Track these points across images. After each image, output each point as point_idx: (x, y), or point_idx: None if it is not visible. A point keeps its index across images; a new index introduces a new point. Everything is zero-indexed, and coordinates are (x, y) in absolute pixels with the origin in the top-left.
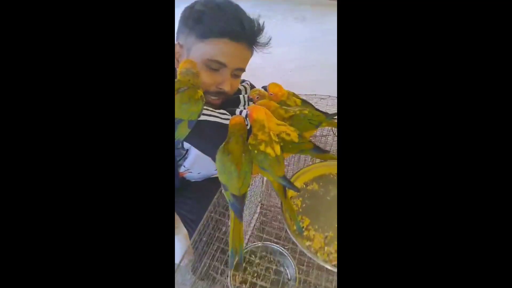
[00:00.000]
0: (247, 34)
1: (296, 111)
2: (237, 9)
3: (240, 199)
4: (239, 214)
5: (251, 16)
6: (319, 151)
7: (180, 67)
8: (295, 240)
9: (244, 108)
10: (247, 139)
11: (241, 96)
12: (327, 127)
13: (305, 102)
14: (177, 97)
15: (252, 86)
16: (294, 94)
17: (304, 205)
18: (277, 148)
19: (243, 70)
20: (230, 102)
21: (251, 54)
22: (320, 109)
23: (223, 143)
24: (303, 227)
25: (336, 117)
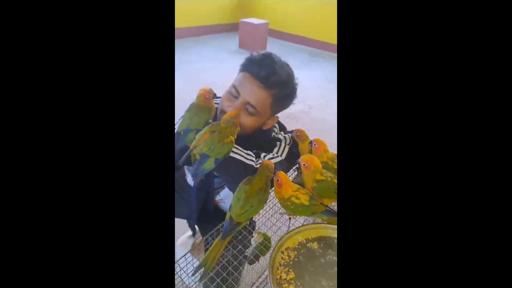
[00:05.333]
0: (273, 84)
1: (328, 177)
2: (278, 66)
3: (233, 224)
4: (224, 235)
5: (292, 78)
6: (330, 214)
7: (226, 115)
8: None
9: (280, 156)
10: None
11: (278, 143)
12: None
13: None
14: (210, 138)
15: (281, 128)
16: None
17: (296, 259)
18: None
19: (255, 108)
20: (263, 144)
21: (271, 101)
22: None
23: (253, 176)
24: (285, 279)
25: None
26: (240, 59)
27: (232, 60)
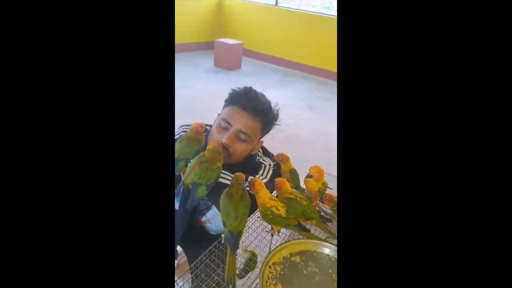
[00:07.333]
0: (260, 112)
1: (297, 197)
2: (261, 96)
3: (235, 236)
4: (233, 248)
5: (272, 105)
6: (301, 228)
7: (209, 146)
8: None
9: (265, 178)
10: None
11: (263, 166)
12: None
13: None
14: (198, 168)
15: (265, 151)
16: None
17: (282, 272)
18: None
19: (247, 135)
20: (250, 169)
21: (261, 126)
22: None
23: (227, 188)
24: None
25: (327, 222)
26: (215, 77)
27: (208, 77)
